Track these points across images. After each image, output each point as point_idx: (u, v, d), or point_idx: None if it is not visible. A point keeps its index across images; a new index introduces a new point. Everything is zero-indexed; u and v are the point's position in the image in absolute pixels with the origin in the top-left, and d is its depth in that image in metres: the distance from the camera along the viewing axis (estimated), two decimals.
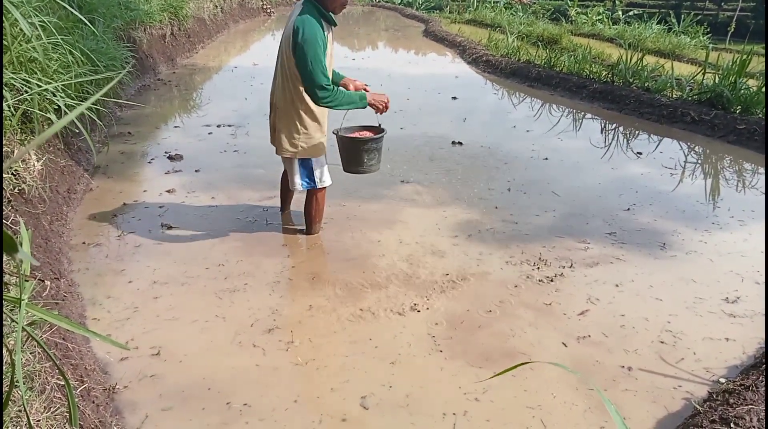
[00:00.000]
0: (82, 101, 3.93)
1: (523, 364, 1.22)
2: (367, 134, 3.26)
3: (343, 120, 3.33)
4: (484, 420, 2.10)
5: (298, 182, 3.24)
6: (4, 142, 3.06)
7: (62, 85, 3.55)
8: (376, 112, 3.15)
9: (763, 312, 2.81)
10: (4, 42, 3.21)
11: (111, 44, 5.84)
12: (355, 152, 3.18)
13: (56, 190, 3.57)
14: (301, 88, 2.99)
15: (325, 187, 3.33)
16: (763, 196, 4.33)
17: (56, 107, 3.52)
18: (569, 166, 4.87)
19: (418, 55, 11.70)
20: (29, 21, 3.31)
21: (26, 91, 3.26)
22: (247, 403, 2.14)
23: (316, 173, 3.24)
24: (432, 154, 5.09)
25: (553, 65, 8.41)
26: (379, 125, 3.27)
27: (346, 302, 2.82)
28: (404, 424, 2.07)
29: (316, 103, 2.96)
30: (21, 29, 3.19)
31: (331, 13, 3.00)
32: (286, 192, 3.71)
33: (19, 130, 3.35)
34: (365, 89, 3.24)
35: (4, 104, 3.02)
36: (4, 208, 2.76)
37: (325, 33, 2.93)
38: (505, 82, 8.59)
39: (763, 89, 5.97)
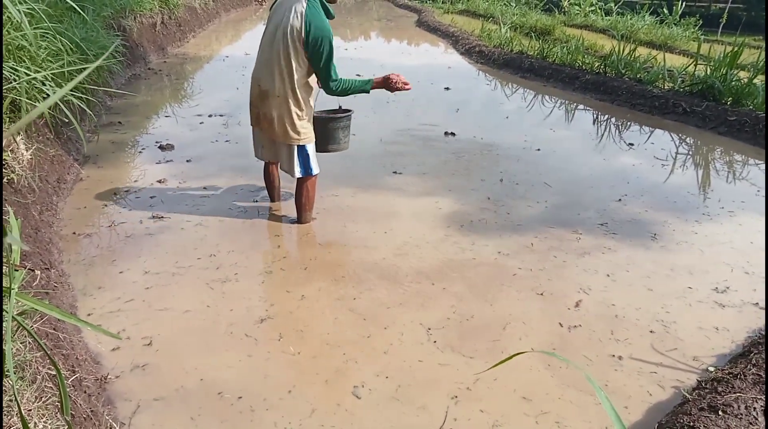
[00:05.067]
0: (72, 91, 3.88)
1: (514, 355, 1.22)
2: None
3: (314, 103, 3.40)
4: (478, 410, 2.11)
5: (297, 170, 3.28)
6: None
7: (52, 73, 3.51)
8: (393, 92, 3.29)
9: (752, 301, 2.85)
10: None
11: (101, 33, 5.77)
12: (332, 130, 3.47)
13: (46, 180, 3.54)
14: (300, 76, 3.07)
15: (316, 175, 3.36)
16: (753, 186, 4.36)
17: (45, 96, 3.47)
18: (561, 157, 4.88)
19: (411, 46, 11.65)
20: (17, 8, 3.26)
21: (14, 80, 3.22)
22: (240, 395, 2.14)
23: (311, 159, 3.29)
24: (424, 145, 5.09)
25: (545, 56, 8.41)
26: (340, 107, 3.60)
27: (338, 292, 2.83)
28: (396, 414, 2.08)
29: (329, 92, 3.20)
30: (9, 16, 3.14)
31: (331, 6, 3.11)
32: (272, 184, 3.74)
33: (8, 119, 3.31)
34: None
35: None
36: None
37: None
38: (498, 73, 8.58)
39: (754, 81, 6.01)
